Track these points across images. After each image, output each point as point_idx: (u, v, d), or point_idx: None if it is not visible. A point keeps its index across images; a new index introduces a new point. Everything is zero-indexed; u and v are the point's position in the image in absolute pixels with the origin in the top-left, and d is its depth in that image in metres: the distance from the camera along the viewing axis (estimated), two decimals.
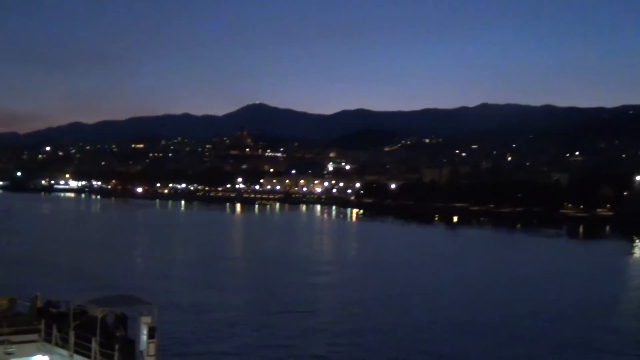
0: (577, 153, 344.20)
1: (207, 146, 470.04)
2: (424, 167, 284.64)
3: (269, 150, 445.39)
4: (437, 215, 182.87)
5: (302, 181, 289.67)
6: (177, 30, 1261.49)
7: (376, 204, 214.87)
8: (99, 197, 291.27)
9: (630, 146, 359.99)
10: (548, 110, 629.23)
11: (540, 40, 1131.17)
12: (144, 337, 22.26)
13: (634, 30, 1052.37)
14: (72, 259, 76.18)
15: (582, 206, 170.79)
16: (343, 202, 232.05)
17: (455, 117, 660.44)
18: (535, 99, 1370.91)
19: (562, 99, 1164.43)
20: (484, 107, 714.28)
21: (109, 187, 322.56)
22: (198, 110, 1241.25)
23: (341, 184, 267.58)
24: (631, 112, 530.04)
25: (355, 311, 50.42)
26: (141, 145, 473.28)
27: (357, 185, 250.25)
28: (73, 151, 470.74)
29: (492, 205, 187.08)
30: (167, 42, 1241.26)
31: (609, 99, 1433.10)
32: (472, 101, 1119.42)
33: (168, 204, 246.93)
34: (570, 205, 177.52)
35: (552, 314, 51.06)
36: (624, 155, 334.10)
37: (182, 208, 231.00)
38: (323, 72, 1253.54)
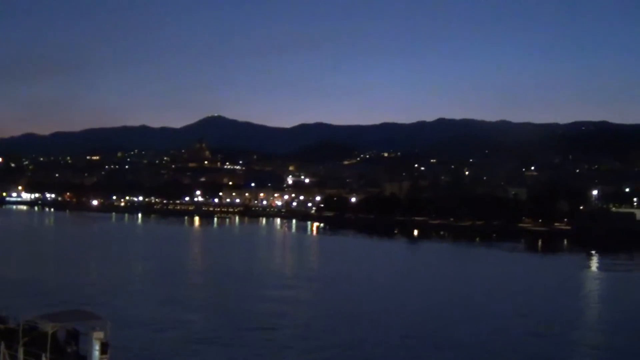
0: (532, 168, 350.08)
1: (165, 158, 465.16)
2: (384, 180, 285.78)
3: (227, 163, 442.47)
4: (397, 229, 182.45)
5: (261, 194, 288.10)
6: (136, 41, 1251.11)
7: (337, 218, 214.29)
8: (52, 210, 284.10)
9: (583, 161, 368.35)
10: (503, 126, 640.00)
11: (495, 57, 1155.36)
12: (96, 352, 22.09)
13: (586, 48, 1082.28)
14: (23, 274, 72.81)
15: (540, 220, 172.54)
16: (303, 216, 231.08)
17: (413, 132, 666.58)
18: (491, 115, 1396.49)
19: (517, 115, 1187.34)
20: (441, 122, 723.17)
21: (64, 199, 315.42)
22: (156, 123, 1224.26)
23: (301, 198, 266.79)
24: (583, 127, 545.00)
25: (322, 327, 48.78)
26: (97, 157, 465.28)
27: (318, 198, 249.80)
28: (26, 162, 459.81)
29: (452, 219, 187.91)
30: (125, 54, 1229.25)
31: (563, 115, 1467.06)
32: (429, 116, 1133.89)
33: (124, 217, 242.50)
34: (528, 219, 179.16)
35: (520, 328, 50.25)
36: (577, 170, 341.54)
37: (139, 221, 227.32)
38: (282, 85, 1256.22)
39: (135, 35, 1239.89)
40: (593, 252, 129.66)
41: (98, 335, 22.22)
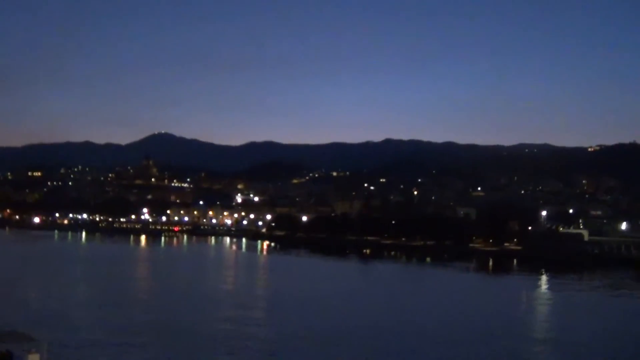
0: (479, 189, 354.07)
1: (110, 175, 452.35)
2: (335, 200, 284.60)
3: (175, 181, 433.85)
4: (349, 249, 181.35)
5: (210, 212, 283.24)
6: (79, 56, 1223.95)
7: (288, 237, 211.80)
8: None
9: (528, 182, 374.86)
10: (449, 147, 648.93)
11: (441, 78, 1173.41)
12: None
13: (527, 72, 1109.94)
14: None
15: (491, 240, 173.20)
16: (254, 235, 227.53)
17: (361, 152, 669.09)
18: (438, 136, 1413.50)
19: (463, 137, 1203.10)
20: (388, 142, 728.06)
21: (4, 216, 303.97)
22: (100, 139, 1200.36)
23: (251, 216, 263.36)
24: (527, 150, 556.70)
25: (281, 349, 46.03)
26: (39, 174, 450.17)
27: (268, 217, 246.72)
28: None
29: (404, 239, 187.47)
30: (68, 68, 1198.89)
31: (507, 138, 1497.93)
32: (376, 136, 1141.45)
33: (68, 236, 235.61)
34: (479, 239, 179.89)
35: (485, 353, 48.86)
36: (523, 192, 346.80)
37: (83, 240, 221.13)
38: (230, 103, 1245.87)
39: (79, 50, 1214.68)
40: (543, 272, 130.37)
41: (33, 357, 21.85)
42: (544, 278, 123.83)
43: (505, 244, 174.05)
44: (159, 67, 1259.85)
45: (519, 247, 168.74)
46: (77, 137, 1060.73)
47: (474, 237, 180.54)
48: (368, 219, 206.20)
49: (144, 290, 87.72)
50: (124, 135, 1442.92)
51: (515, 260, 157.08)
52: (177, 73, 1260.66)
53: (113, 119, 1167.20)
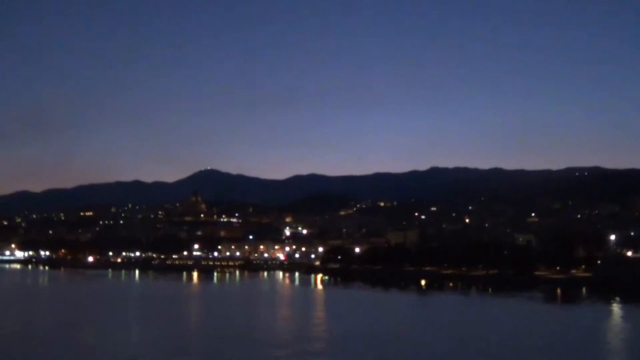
0: (532, 214, 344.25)
1: (160, 213, 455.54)
2: (385, 230, 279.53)
3: (224, 216, 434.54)
4: (406, 280, 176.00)
5: (261, 247, 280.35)
6: (125, 96, 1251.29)
7: (342, 269, 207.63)
8: (46, 267, 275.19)
9: (582, 206, 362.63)
10: (496, 173, 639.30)
11: (485, 104, 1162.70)
12: None
13: (575, 94, 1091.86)
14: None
15: (558, 267, 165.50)
16: (307, 268, 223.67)
17: (407, 181, 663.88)
18: (483, 162, 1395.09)
19: (509, 162, 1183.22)
20: (434, 170, 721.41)
21: (58, 256, 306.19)
22: (148, 177, 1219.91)
23: (303, 249, 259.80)
24: (577, 173, 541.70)
25: None
26: (90, 213, 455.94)
27: (320, 250, 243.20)
28: (19, 220, 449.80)
29: (464, 268, 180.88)
30: (114, 109, 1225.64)
31: (555, 162, 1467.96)
32: (421, 165, 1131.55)
33: (121, 274, 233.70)
34: (543, 267, 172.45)
35: None
36: (579, 216, 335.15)
37: (137, 278, 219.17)
38: (274, 138, 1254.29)
39: (125, 91, 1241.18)
40: (617, 299, 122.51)
41: None
42: (617, 306, 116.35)
43: (572, 271, 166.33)
44: (204, 105, 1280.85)
45: (587, 274, 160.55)
46: (127, 176, 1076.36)
47: (537, 265, 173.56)
48: (424, 249, 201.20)
49: (209, 330, 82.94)
50: (172, 173, 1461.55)
51: (584, 289, 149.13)
52: (220, 110, 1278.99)
53: (160, 158, 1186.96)
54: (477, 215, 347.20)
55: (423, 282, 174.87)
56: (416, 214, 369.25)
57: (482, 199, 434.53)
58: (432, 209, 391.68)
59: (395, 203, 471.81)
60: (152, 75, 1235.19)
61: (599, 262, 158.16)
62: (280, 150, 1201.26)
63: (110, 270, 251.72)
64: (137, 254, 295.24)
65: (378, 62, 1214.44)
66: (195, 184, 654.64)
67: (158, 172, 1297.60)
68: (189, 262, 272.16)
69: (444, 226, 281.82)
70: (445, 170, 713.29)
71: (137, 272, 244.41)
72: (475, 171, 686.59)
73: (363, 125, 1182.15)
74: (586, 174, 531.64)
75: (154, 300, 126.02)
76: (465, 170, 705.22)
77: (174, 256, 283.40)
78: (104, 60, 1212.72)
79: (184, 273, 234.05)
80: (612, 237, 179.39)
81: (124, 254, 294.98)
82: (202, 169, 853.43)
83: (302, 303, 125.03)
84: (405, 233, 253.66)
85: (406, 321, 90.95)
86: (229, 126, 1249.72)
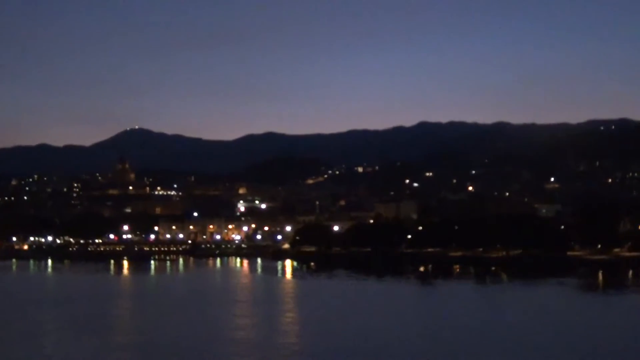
0: (552, 179, 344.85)
1: (76, 185, 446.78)
2: (369, 202, 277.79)
3: (158, 188, 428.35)
4: (404, 266, 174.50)
5: (211, 226, 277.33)
6: (26, 42, 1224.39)
7: (319, 254, 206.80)
8: None
9: (613, 168, 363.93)
10: (501, 128, 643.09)
11: (482, 47, 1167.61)
12: None
13: (594, 34, 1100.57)
14: None
15: (599, 246, 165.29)
16: (274, 253, 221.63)
17: (390, 140, 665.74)
18: (484, 116, 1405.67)
19: (516, 115, 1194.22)
20: (423, 126, 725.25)
21: None
22: (58, 140, 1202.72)
23: (266, 228, 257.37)
24: (602, 127, 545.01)
25: None
26: None
27: (288, 229, 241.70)
28: None
29: (480, 249, 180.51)
30: (11, 57, 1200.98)
31: (573, 114, 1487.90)
32: (408, 120, 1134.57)
33: (29, 265, 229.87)
34: (577, 246, 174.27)
35: None
36: (609, 180, 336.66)
37: (49, 269, 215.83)
38: (220, 88, 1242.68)
39: (27, 35, 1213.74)
40: None
41: None
42: None
43: (616, 250, 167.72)
44: (126, 43, 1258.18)
45: (635, 254, 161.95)
46: (30, 139, 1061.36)
47: (570, 243, 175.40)
48: (425, 226, 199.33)
49: (136, 346, 77.27)
50: (88, 134, 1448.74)
51: (631, 271, 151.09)
52: (150, 51, 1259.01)
53: (73, 115, 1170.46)
54: (484, 181, 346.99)
55: (423, 268, 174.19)
56: (407, 181, 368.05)
57: (486, 160, 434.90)
58: (426, 174, 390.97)
59: (377, 168, 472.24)
60: (60, 12, 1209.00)
61: None
62: (228, 103, 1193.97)
63: (14, 260, 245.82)
64: (49, 238, 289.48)
65: None
66: (119, 147, 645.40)
67: (70, 133, 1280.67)
68: (117, 248, 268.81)
69: (441, 195, 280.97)
70: (437, 126, 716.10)
71: (49, 262, 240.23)
72: (475, 127, 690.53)
73: (333, 70, 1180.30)
74: (613, 127, 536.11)
75: (69, 302, 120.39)
76: (462, 125, 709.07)
77: (97, 241, 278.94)
78: None
79: (112, 262, 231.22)
80: None
81: (31, 239, 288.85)
82: (128, 129, 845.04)
83: (266, 300, 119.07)
84: (398, 205, 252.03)
85: (410, 324, 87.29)
86: (160, 74, 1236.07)
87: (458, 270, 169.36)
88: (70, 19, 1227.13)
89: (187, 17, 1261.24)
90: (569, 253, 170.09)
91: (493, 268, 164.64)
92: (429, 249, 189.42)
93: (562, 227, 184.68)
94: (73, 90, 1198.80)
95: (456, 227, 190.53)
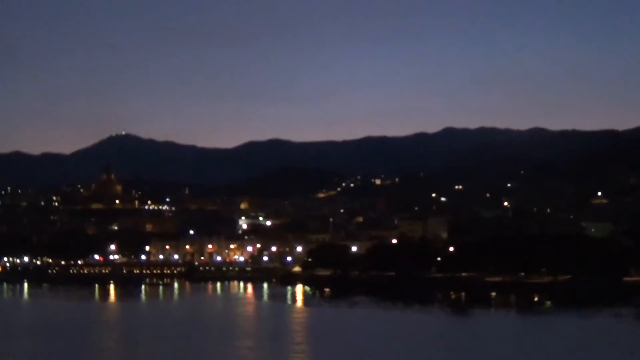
0: (599, 193, 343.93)
1: (55, 198, 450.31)
2: (395, 218, 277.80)
3: (149, 202, 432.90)
4: (434, 292, 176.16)
5: (210, 246, 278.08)
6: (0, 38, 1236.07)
7: (336, 278, 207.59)
8: None
9: None
10: (538, 136, 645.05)
11: (519, 46, 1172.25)
12: None
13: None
14: None
15: None
16: (282, 277, 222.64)
17: (411, 148, 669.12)
18: (518, 122, 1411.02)
19: (555, 121, 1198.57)
20: (449, 132, 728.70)
21: None
22: (35, 148, 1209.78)
23: (274, 249, 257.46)
24: None
25: None
26: None
27: (299, 249, 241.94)
28: None
29: (522, 274, 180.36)
30: None
31: (619, 120, 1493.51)
32: (431, 126, 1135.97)
33: (2, 289, 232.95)
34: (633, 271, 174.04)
35: None
36: None
37: (25, 294, 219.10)
38: (216, 89, 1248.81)
39: (2, 32, 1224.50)
40: None
41: None
42: None
43: None
44: (112, 41, 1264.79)
45: None
46: (3, 146, 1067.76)
47: (627, 268, 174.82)
48: (458, 246, 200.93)
49: None
50: (69, 140, 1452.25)
51: None
52: (139, 48, 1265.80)
53: (52, 120, 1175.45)
54: (521, 195, 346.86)
55: (455, 295, 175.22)
56: (433, 195, 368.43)
57: (522, 172, 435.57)
58: (455, 187, 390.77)
59: (397, 180, 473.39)
60: (37, 12, 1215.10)
61: None
62: (226, 105, 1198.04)
63: None
64: (26, 259, 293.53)
65: None
66: (104, 155, 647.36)
67: (49, 140, 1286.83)
68: (103, 271, 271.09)
69: (476, 212, 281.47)
70: (464, 133, 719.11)
71: (25, 285, 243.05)
72: (507, 133, 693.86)
73: (347, 69, 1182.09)
74: None
75: (48, 332, 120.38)
76: (493, 131, 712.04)
77: (79, 262, 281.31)
78: None
79: (96, 286, 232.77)
80: None
81: (5, 259, 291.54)
82: (114, 134, 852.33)
83: (274, 333, 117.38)
84: (424, 223, 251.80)
85: None
86: (150, 75, 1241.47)
87: (496, 298, 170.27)
88: (48, 18, 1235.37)
89: (177, 9, 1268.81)
90: (625, 279, 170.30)
91: (537, 296, 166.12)
92: (462, 274, 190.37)
93: (618, 249, 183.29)
94: (51, 92, 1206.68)
95: (493, 248, 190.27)
